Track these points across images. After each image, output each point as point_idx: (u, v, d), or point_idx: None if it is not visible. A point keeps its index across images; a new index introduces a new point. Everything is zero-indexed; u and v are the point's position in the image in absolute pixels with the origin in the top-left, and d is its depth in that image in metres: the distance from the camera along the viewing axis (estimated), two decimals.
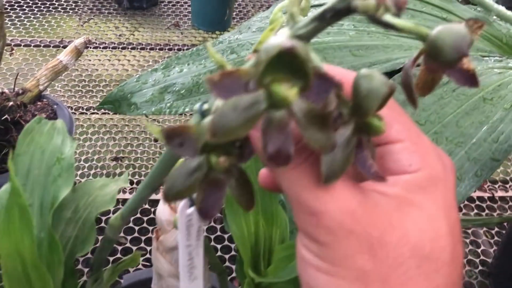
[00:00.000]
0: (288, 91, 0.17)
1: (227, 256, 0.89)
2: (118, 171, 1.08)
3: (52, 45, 1.50)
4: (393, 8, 0.18)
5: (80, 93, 1.32)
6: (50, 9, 1.69)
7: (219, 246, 0.90)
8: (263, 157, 0.18)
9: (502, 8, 0.50)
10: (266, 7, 1.78)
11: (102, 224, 0.89)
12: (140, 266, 0.85)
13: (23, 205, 0.33)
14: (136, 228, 0.94)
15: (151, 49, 1.53)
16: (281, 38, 0.18)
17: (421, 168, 0.21)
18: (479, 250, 0.93)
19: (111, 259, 0.87)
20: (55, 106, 0.72)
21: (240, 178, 0.22)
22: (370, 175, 0.20)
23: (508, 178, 1.13)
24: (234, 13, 1.70)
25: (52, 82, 0.77)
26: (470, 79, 0.20)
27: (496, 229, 0.97)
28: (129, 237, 0.91)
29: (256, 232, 0.42)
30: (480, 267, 0.90)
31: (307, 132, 0.18)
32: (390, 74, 0.52)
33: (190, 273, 0.38)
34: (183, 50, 1.54)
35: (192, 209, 0.36)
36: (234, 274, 0.82)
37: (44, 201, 0.38)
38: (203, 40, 1.59)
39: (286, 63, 0.17)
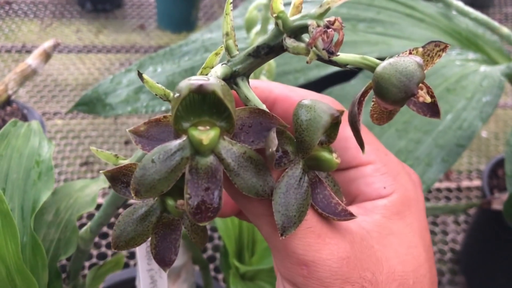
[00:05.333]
0: (204, 134, 0.15)
1: (211, 265, 0.89)
2: (88, 175, 1.07)
3: (14, 50, 1.46)
4: (324, 53, 0.16)
5: (46, 98, 1.29)
6: (10, 13, 1.64)
7: (209, 245, 0.91)
8: (187, 212, 0.16)
9: (460, 4, 0.53)
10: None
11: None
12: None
13: (5, 210, 0.33)
14: None
15: (117, 51, 1.51)
16: (200, 76, 0.16)
17: (395, 190, 0.21)
18: (447, 239, 0.96)
19: (87, 264, 0.86)
20: (25, 111, 0.71)
21: None
22: (338, 215, 0.18)
23: (471, 168, 1.18)
24: (200, 14, 1.70)
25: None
26: (431, 109, 0.18)
27: (463, 217, 1.01)
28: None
29: (239, 224, 0.43)
30: (449, 254, 0.93)
31: (238, 178, 0.16)
32: (361, 68, 0.54)
33: None
34: (150, 52, 1.53)
35: None
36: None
37: (24, 205, 0.38)
38: (169, 41, 1.58)
39: (206, 104, 0.16)
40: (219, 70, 0.19)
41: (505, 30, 0.51)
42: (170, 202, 0.18)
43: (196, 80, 0.15)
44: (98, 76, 1.39)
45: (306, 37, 0.18)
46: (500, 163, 0.85)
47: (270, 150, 0.16)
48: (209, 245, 0.90)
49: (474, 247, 0.88)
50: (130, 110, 0.53)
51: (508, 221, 0.55)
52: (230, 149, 0.16)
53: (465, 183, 1.12)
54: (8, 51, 1.46)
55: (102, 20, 1.66)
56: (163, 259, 0.19)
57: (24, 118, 0.70)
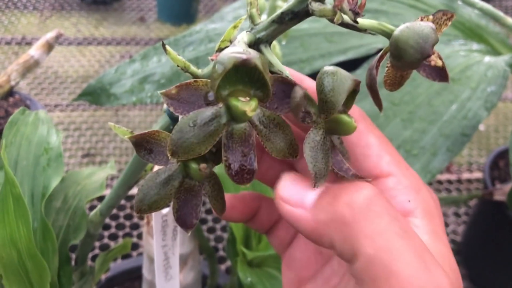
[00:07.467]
0: (247, 105, 0.17)
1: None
2: (90, 167, 1.07)
3: (14, 42, 1.46)
4: (350, 14, 0.17)
5: (46, 90, 1.29)
6: (9, 5, 1.63)
7: (212, 236, 0.91)
8: (227, 174, 0.17)
9: None
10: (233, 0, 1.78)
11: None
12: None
13: (17, 194, 0.33)
14: (128, 223, 0.93)
15: (117, 44, 1.51)
16: (237, 48, 0.17)
17: (418, 205, 0.20)
18: (448, 230, 0.97)
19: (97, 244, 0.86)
20: (28, 102, 0.71)
21: (215, 183, 0.21)
22: (349, 177, 0.20)
23: (472, 160, 1.19)
24: (200, 6, 1.70)
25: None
26: (440, 74, 0.19)
27: (463, 209, 1.02)
28: (121, 232, 0.91)
29: None
30: (450, 245, 0.94)
31: (269, 143, 0.18)
32: (365, 58, 0.54)
33: (166, 273, 0.38)
34: (150, 44, 1.52)
35: (167, 210, 0.35)
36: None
37: (34, 191, 0.38)
38: (169, 34, 1.58)
39: (244, 74, 0.17)
40: (245, 37, 0.20)
41: (510, 20, 0.51)
42: (193, 165, 0.19)
43: (238, 54, 0.16)
44: (98, 68, 1.39)
45: (329, 3, 0.19)
46: (501, 155, 0.86)
47: (296, 100, 0.18)
48: (211, 236, 0.91)
49: (474, 238, 0.89)
50: (135, 100, 0.53)
51: (511, 211, 0.56)
52: (262, 116, 0.18)
53: (465, 175, 1.13)
54: (8, 43, 1.45)
55: (102, 12, 1.65)
56: (184, 222, 0.20)
57: (28, 109, 0.69)
